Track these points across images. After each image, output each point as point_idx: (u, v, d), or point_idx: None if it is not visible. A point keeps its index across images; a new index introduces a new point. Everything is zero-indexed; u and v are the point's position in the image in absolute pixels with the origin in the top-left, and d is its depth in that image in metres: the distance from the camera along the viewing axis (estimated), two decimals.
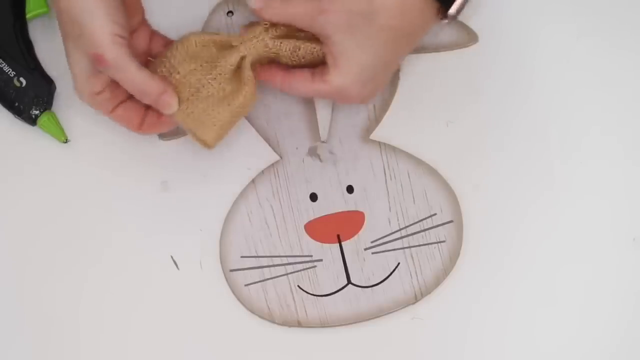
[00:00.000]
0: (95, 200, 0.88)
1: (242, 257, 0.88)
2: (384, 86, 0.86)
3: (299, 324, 0.87)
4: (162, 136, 0.89)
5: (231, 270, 0.87)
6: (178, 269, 0.88)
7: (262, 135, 0.90)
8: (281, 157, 0.90)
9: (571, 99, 0.91)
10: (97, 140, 0.89)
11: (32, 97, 0.88)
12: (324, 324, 0.87)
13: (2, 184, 0.89)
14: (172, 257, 0.88)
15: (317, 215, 0.88)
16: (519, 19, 0.91)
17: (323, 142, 0.89)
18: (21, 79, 0.88)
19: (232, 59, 0.83)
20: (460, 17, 0.85)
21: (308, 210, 0.88)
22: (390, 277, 0.88)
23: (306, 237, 0.88)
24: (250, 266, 0.87)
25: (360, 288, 0.87)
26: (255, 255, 0.87)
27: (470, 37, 0.91)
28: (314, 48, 0.83)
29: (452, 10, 0.82)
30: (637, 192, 0.90)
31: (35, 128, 0.88)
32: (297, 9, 0.81)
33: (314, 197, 0.89)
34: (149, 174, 0.89)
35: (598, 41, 0.91)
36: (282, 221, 0.88)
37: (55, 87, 0.89)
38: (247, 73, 0.82)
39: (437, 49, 0.91)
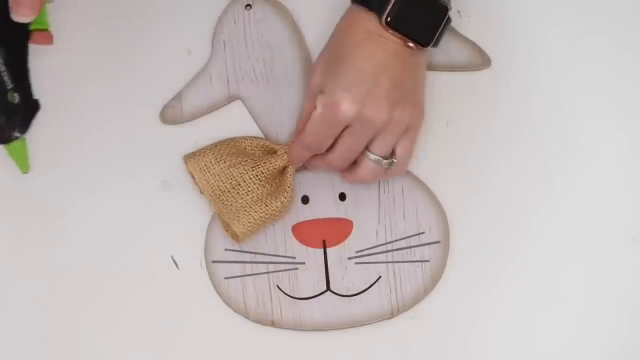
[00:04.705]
0: (95, 200, 0.89)
1: (226, 249, 0.88)
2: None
3: (273, 324, 0.87)
4: (165, 120, 0.90)
5: (213, 262, 0.88)
6: (178, 269, 0.89)
7: (264, 133, 0.90)
8: None
9: (570, 100, 0.90)
10: (96, 140, 0.90)
11: (20, 118, 0.83)
12: (297, 327, 0.87)
13: (2, 183, 0.89)
14: (172, 257, 0.89)
15: (306, 218, 0.89)
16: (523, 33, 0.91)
17: None
18: (16, 94, 0.84)
19: (277, 163, 0.86)
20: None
21: (298, 212, 0.89)
22: (369, 290, 0.88)
23: (292, 239, 0.88)
24: (233, 260, 0.88)
25: (338, 296, 0.88)
26: (239, 249, 0.88)
27: (483, 60, 0.90)
28: None
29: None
30: (637, 192, 0.89)
31: None
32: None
33: (305, 199, 0.89)
34: (149, 174, 0.89)
35: (598, 44, 0.91)
36: None
37: (38, 109, 0.86)
38: (290, 180, 0.86)
39: (448, 68, 0.90)
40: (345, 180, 0.87)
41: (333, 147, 0.84)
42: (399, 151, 0.84)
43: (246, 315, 0.87)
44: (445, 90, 0.89)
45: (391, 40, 0.81)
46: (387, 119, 0.81)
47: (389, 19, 0.80)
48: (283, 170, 0.87)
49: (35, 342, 0.88)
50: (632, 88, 0.91)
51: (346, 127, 0.82)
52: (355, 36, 0.82)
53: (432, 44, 0.82)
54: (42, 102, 0.88)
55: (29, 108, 0.84)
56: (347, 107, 0.80)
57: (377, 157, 0.83)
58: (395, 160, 0.84)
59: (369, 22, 0.81)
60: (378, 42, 0.81)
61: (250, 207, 0.85)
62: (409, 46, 0.82)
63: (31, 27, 0.85)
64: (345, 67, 0.81)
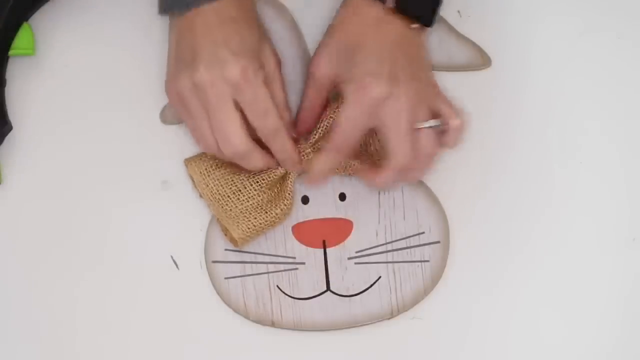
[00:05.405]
0: (95, 200, 0.89)
1: (226, 249, 0.88)
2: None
3: (273, 324, 0.87)
4: (165, 120, 0.90)
5: (213, 262, 0.88)
6: (178, 269, 0.89)
7: None
8: None
9: (569, 100, 0.90)
10: (97, 140, 0.89)
11: None
12: (297, 327, 0.87)
13: (4, 181, 0.89)
14: (172, 257, 0.89)
15: (306, 218, 0.89)
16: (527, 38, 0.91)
17: None
18: None
19: (278, 170, 0.86)
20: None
21: (298, 212, 0.89)
22: (369, 290, 0.88)
23: (292, 239, 0.88)
24: (233, 260, 0.88)
25: (338, 296, 0.88)
26: (240, 250, 0.88)
27: (483, 60, 0.90)
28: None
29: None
30: (637, 192, 0.90)
31: None
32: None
33: (305, 199, 0.89)
34: (149, 174, 0.89)
35: (598, 43, 0.91)
36: None
37: (9, 129, 0.87)
38: (290, 187, 0.86)
39: (448, 68, 0.90)
40: (421, 173, 0.85)
41: (393, 150, 0.82)
42: (444, 116, 0.84)
43: (246, 315, 0.88)
44: (445, 90, 0.88)
45: (397, 24, 0.83)
46: (415, 93, 0.82)
47: (392, 5, 0.83)
48: (283, 177, 0.86)
49: (34, 342, 0.88)
50: (633, 88, 0.91)
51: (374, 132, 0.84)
52: (363, 23, 0.84)
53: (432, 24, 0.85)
54: (42, 100, 0.89)
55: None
56: (377, 89, 0.81)
57: (423, 122, 0.83)
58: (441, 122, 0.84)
59: (373, 8, 0.84)
60: (386, 26, 0.84)
61: (250, 213, 0.85)
62: (412, 27, 0.84)
63: (12, 52, 0.86)
64: (362, 53, 0.83)
